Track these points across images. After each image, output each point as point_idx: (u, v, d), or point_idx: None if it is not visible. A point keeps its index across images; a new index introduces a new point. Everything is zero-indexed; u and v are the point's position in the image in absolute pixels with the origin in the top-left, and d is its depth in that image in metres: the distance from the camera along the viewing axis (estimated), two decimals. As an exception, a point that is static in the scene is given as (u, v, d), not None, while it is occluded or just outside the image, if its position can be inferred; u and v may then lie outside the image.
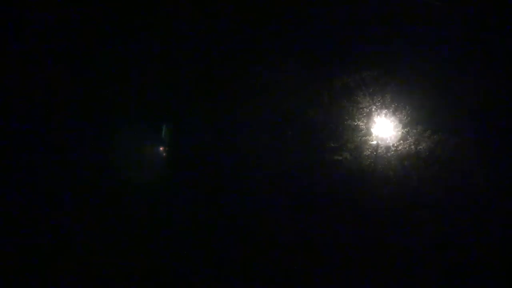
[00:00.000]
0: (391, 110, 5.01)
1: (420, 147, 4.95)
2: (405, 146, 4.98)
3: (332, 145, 5.02)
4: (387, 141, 5.02)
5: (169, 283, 4.83)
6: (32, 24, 5.04)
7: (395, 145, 5.00)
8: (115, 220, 4.93)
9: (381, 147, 5.01)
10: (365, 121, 5.05)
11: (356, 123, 5.03)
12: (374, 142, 5.04)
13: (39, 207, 4.90)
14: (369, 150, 5.02)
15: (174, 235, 4.95)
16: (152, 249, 4.89)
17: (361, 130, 5.04)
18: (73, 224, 4.91)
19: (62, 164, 5.00)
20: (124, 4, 5.10)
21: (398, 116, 5.00)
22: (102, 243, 4.88)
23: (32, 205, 4.89)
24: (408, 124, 4.98)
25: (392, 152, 4.99)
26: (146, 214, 5.00)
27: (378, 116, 5.04)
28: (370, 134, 5.05)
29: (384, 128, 5.05)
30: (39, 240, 4.82)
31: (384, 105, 5.01)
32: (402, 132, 4.99)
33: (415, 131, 4.96)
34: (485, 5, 4.86)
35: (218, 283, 4.84)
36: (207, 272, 4.86)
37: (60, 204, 4.93)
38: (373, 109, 5.03)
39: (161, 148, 5.28)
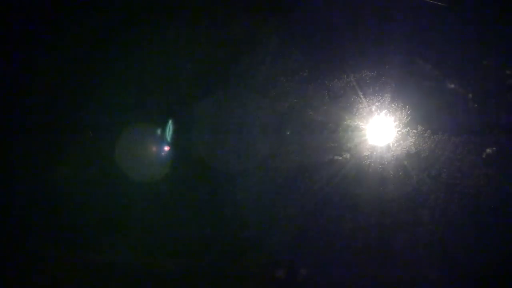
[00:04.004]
0: (391, 110, 5.00)
1: (420, 147, 4.94)
2: (405, 146, 4.97)
3: (332, 145, 5.02)
4: (387, 141, 5.01)
5: (168, 283, 4.85)
6: (31, 23, 5.05)
7: (395, 145, 4.99)
8: (115, 220, 4.95)
9: (381, 147, 5.00)
10: (365, 121, 5.04)
11: (356, 123, 5.02)
12: (374, 142, 5.03)
13: (38, 206, 4.92)
14: (369, 150, 5.01)
15: (173, 235, 4.97)
16: (151, 249, 4.91)
17: (361, 130, 5.03)
18: (73, 223, 4.93)
19: (61, 164, 5.02)
20: (124, 3, 5.11)
21: (398, 116, 4.99)
22: (101, 242, 4.89)
23: (31, 205, 4.91)
24: (408, 124, 4.96)
25: (392, 152, 4.98)
26: (145, 214, 5.02)
27: (378, 116, 5.03)
28: (369, 134, 5.04)
29: (384, 128, 5.03)
30: (38, 240, 4.84)
31: (384, 105, 5.00)
32: (402, 132, 4.97)
33: (415, 131, 4.95)
34: (485, 5, 4.85)
35: (217, 284, 4.86)
36: (206, 272, 4.88)
37: (59, 204, 4.95)
38: (373, 109, 5.02)
39: (158, 148, 5.28)
